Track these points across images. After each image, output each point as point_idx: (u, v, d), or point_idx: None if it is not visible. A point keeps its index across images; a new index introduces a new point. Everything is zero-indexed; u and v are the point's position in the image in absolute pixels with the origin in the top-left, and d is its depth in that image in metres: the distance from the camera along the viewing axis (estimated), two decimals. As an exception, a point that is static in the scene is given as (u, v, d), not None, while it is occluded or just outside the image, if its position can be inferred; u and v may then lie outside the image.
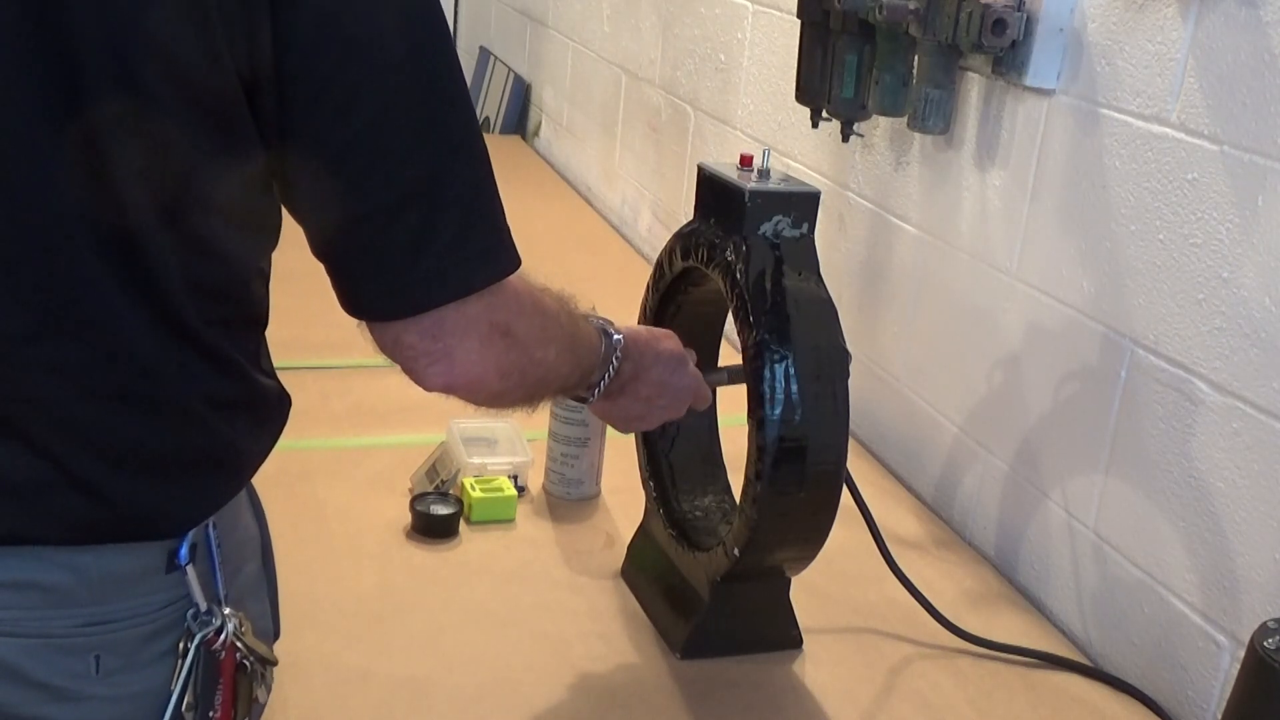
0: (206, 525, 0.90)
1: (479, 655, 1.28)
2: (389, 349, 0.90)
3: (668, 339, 1.21)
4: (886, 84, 1.65)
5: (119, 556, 0.85)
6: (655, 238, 2.64)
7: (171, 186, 0.80)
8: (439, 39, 0.85)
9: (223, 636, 0.89)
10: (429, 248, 0.85)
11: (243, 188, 0.84)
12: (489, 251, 0.89)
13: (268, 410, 0.94)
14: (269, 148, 0.82)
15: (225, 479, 0.91)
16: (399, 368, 0.91)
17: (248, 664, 0.91)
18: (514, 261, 0.91)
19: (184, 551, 0.87)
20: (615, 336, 1.11)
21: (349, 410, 1.76)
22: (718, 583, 1.29)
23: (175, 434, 0.86)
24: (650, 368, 1.16)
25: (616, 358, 1.10)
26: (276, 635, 1.02)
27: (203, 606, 0.89)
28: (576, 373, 1.06)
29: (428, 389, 0.91)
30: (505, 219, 0.90)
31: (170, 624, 0.88)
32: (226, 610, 0.90)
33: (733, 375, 1.31)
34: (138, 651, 0.87)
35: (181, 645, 0.88)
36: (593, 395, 1.11)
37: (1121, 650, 1.42)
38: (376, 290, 0.87)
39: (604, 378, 1.10)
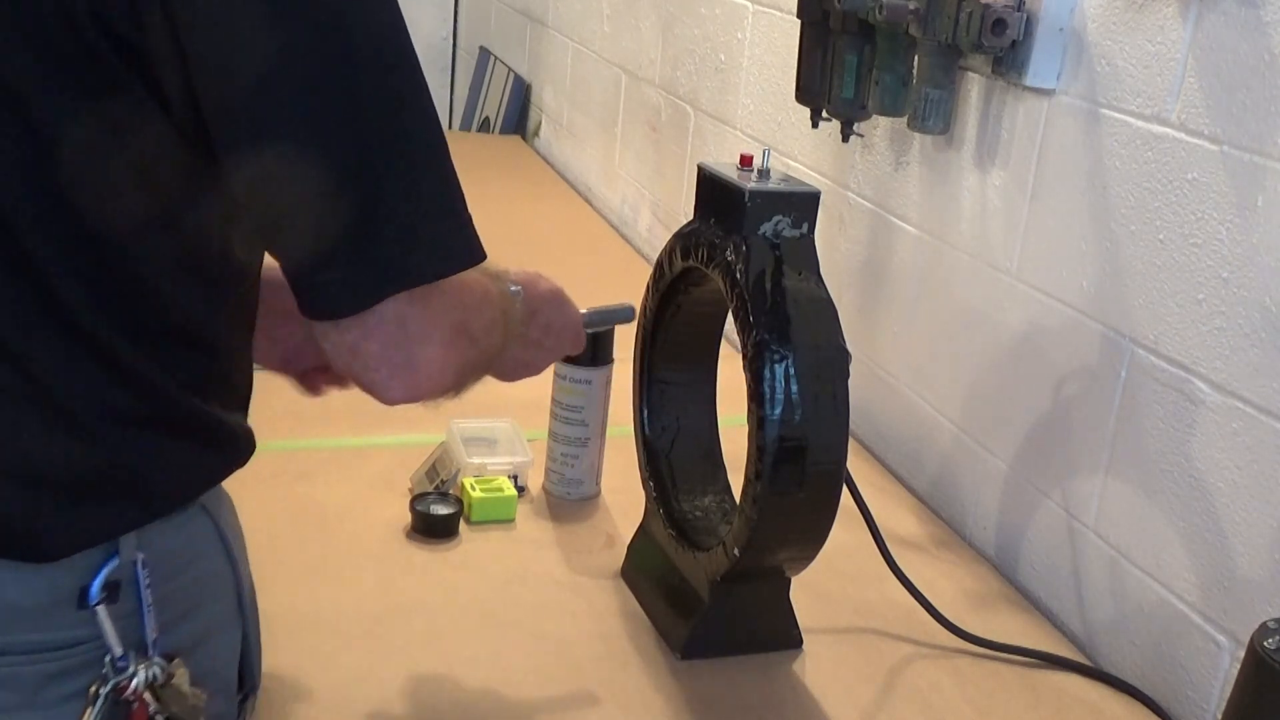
0: (135, 563, 0.83)
1: (479, 655, 1.28)
2: (345, 360, 0.83)
3: (543, 279, 1.13)
4: (886, 84, 1.65)
5: (10, 584, 0.80)
6: (655, 238, 2.64)
7: (37, 156, 0.74)
8: (377, 5, 0.77)
9: (133, 685, 0.82)
10: (376, 235, 0.78)
11: (131, 167, 0.76)
12: (444, 240, 0.82)
13: (196, 439, 0.86)
14: (183, 133, 0.76)
15: (123, 504, 0.83)
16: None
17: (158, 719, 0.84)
18: (475, 254, 0.84)
19: (95, 589, 0.81)
20: (514, 289, 1.03)
21: (349, 410, 1.75)
22: (718, 583, 1.29)
23: (59, 444, 0.79)
24: (538, 310, 1.10)
25: (520, 319, 1.04)
26: (254, 686, 0.97)
27: (117, 651, 0.82)
28: (506, 345, 1.00)
29: (389, 402, 0.85)
30: (464, 206, 0.83)
31: (82, 665, 0.83)
32: (155, 657, 0.84)
33: (603, 316, 1.27)
34: (40, 690, 0.81)
35: (93, 690, 0.82)
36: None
37: (1121, 650, 1.42)
38: (325, 281, 0.79)
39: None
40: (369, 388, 0.85)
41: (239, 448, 0.90)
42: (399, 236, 0.79)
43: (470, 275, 0.86)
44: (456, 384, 0.90)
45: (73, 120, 0.74)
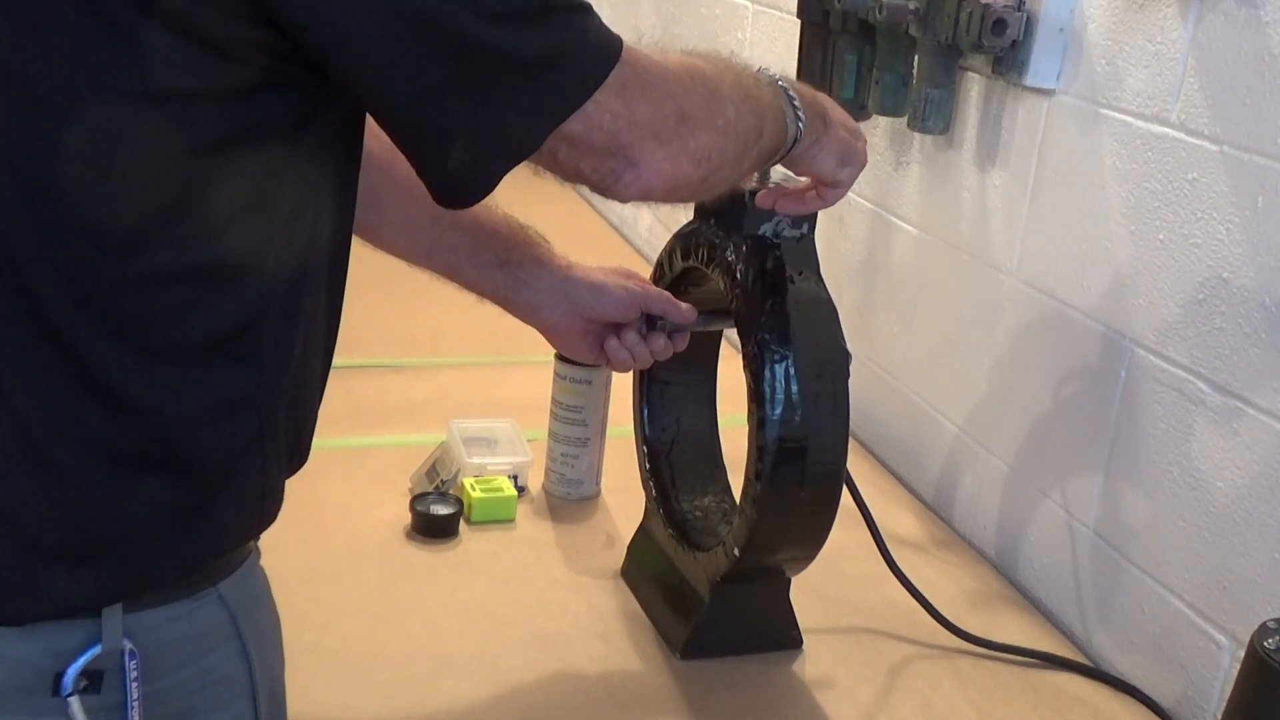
0: (122, 653, 0.76)
1: (479, 655, 1.28)
2: (574, 180, 0.83)
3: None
4: (886, 84, 1.65)
5: None
6: (655, 238, 2.64)
7: (34, 126, 0.68)
8: None
9: None
10: (496, 99, 0.74)
11: (107, 125, 0.70)
12: (589, 42, 0.78)
13: (202, 487, 0.77)
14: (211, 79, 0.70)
15: (106, 565, 0.74)
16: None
17: None
18: (614, 44, 0.80)
19: (69, 676, 0.74)
20: (769, 72, 0.99)
21: (349, 410, 1.75)
22: (718, 583, 1.29)
23: (28, 481, 0.71)
24: (817, 97, 1.04)
25: (784, 87, 0.98)
26: None
27: None
28: (768, 118, 0.95)
29: (625, 201, 0.84)
30: (584, 4, 0.78)
31: None
32: None
33: (708, 319, 1.29)
34: None
35: None
36: (799, 133, 0.99)
37: (1121, 650, 1.42)
38: (450, 170, 0.76)
39: (796, 112, 0.99)
40: (602, 193, 0.84)
41: (253, 508, 0.82)
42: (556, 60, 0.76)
43: (663, 57, 0.84)
44: (699, 170, 0.86)
45: (79, 99, 0.69)
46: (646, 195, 0.84)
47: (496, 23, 0.73)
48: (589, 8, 0.79)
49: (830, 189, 1.10)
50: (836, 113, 1.07)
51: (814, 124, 1.01)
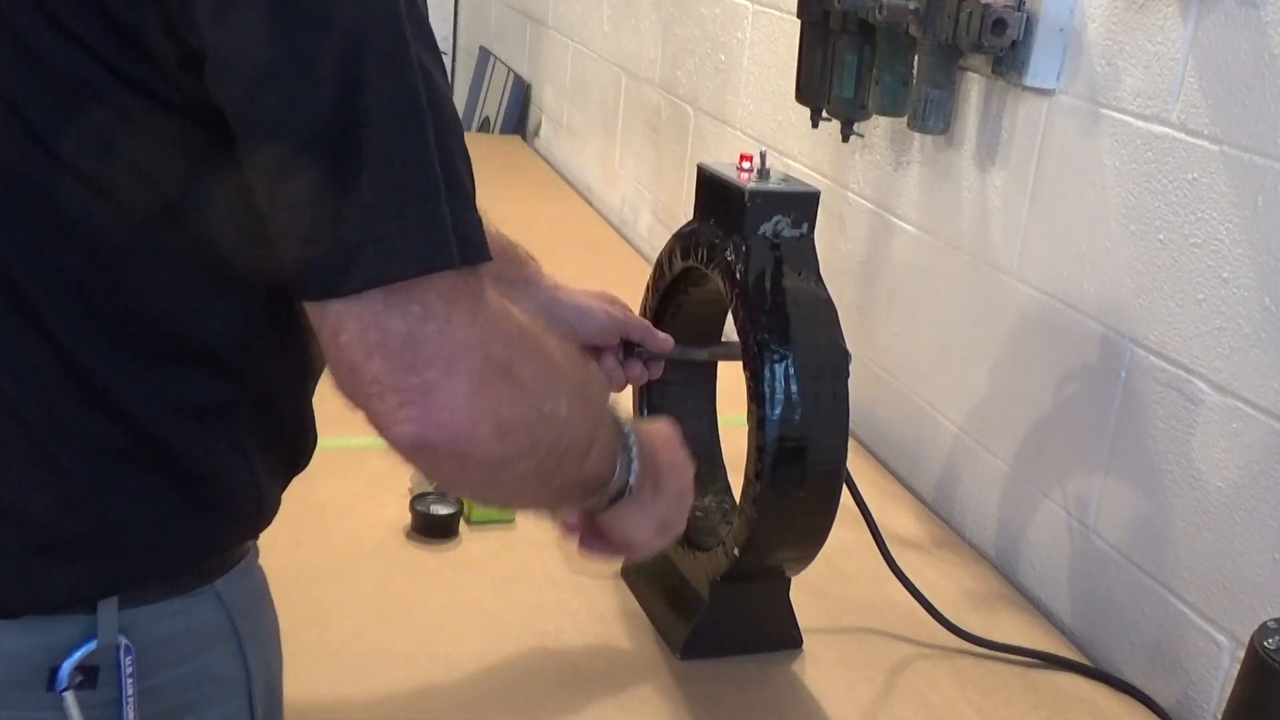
0: (117, 648, 0.75)
1: (479, 655, 1.28)
2: (350, 386, 0.70)
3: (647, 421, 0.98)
4: (886, 84, 1.65)
5: None
6: (655, 238, 2.64)
7: (25, 152, 0.69)
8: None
9: None
10: (341, 223, 0.67)
11: (127, 157, 0.70)
12: (412, 237, 0.68)
13: (193, 487, 0.76)
14: (183, 122, 0.70)
15: (99, 559, 0.74)
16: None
17: None
18: (480, 250, 0.71)
19: (64, 671, 0.74)
20: (623, 419, 0.89)
21: (349, 410, 1.75)
22: (718, 583, 1.29)
23: (23, 473, 0.72)
24: (665, 466, 0.94)
25: (631, 440, 0.87)
26: None
27: None
28: (600, 445, 0.83)
29: (398, 440, 0.70)
30: (436, 200, 0.68)
31: None
32: None
33: (686, 349, 1.29)
34: None
35: None
36: (627, 488, 0.87)
37: (1121, 650, 1.42)
38: (294, 260, 0.69)
39: (630, 465, 0.87)
40: (372, 417, 0.71)
41: (248, 511, 0.81)
42: (365, 227, 0.67)
43: (517, 313, 0.75)
44: (502, 446, 0.72)
45: (65, 118, 0.69)
46: (422, 443, 0.69)
47: (418, 157, 0.68)
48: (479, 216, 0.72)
49: (627, 550, 0.96)
50: (672, 480, 0.95)
51: (642, 487, 0.89)
